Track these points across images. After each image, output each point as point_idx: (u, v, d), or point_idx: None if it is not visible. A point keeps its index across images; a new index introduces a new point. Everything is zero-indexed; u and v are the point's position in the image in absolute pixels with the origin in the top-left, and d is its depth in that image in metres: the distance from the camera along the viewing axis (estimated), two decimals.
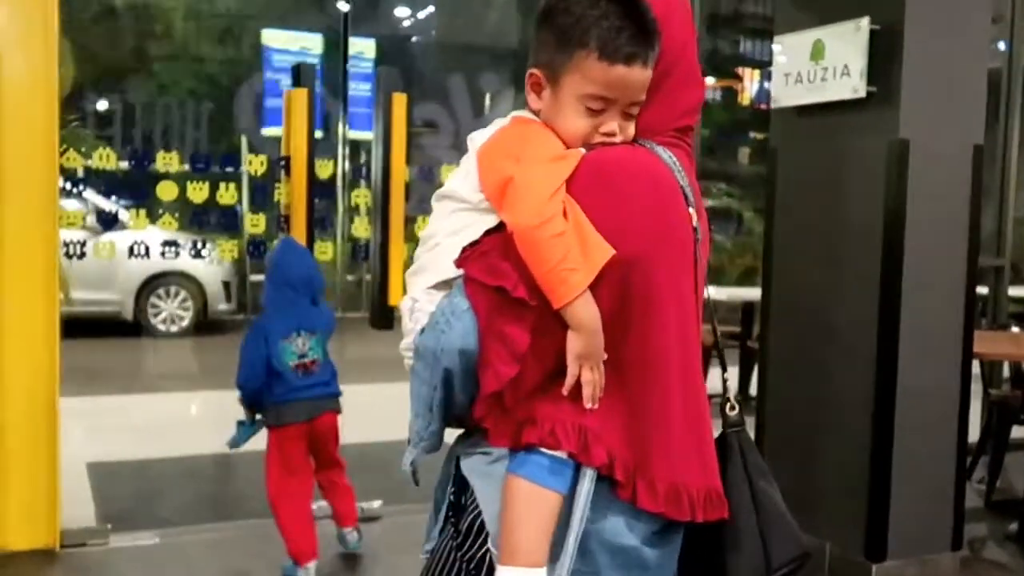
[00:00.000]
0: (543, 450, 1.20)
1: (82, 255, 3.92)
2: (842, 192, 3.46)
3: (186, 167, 4.08)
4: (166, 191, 4.02)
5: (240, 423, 3.32)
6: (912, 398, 3.28)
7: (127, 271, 8.64)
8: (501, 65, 14.20)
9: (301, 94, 4.04)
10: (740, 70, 16.13)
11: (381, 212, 4.39)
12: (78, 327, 8.08)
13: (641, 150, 1.29)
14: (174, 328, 9.31)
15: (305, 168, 4.03)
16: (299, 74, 4.16)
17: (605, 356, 1.20)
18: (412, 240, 4.37)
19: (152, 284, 9.10)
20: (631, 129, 1.29)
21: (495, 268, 1.20)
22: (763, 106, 16.00)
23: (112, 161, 3.91)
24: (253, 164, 4.21)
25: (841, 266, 3.46)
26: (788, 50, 3.60)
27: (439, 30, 16.71)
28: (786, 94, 3.61)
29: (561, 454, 1.20)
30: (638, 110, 1.28)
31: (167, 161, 3.98)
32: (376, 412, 4.14)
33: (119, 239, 4.18)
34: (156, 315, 9.22)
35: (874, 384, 3.29)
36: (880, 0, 3.25)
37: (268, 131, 9.72)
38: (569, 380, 1.20)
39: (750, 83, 16.34)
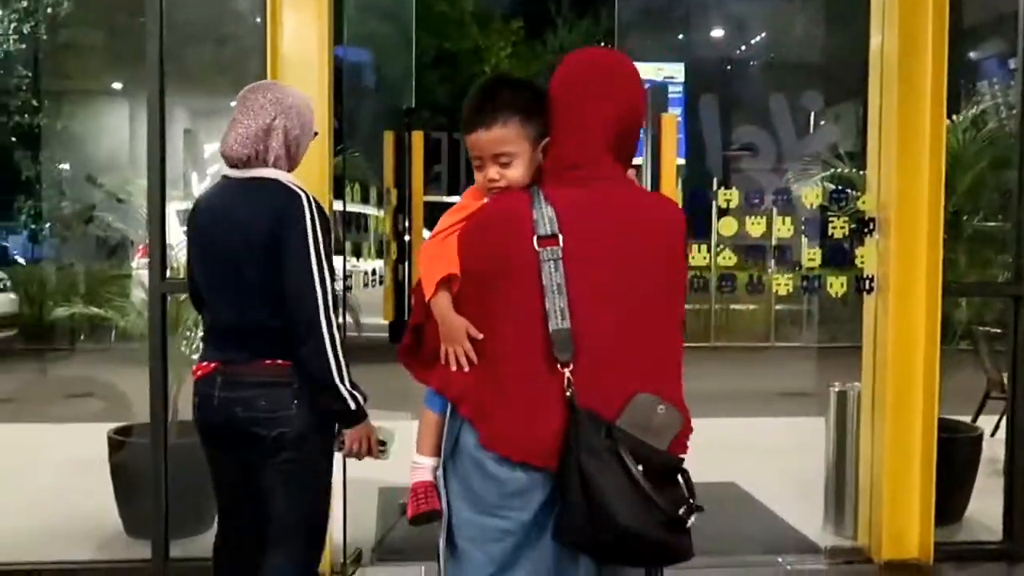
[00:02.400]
0: (430, 385, 1.93)
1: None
2: None
3: None
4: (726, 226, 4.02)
5: None
6: None
7: None
8: (819, 82, 13.47)
9: (671, 119, 4.02)
10: None
11: None
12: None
13: (506, 197, 1.85)
14: None
15: None
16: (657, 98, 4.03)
17: (473, 336, 1.83)
18: None
19: None
20: (512, 172, 1.86)
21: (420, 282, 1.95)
22: None
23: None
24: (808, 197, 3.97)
25: None
26: None
27: (752, 49, 16.21)
28: None
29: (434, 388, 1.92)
30: (511, 159, 1.85)
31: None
32: None
33: None
34: None
35: None
36: None
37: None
38: (441, 351, 1.88)
39: None
